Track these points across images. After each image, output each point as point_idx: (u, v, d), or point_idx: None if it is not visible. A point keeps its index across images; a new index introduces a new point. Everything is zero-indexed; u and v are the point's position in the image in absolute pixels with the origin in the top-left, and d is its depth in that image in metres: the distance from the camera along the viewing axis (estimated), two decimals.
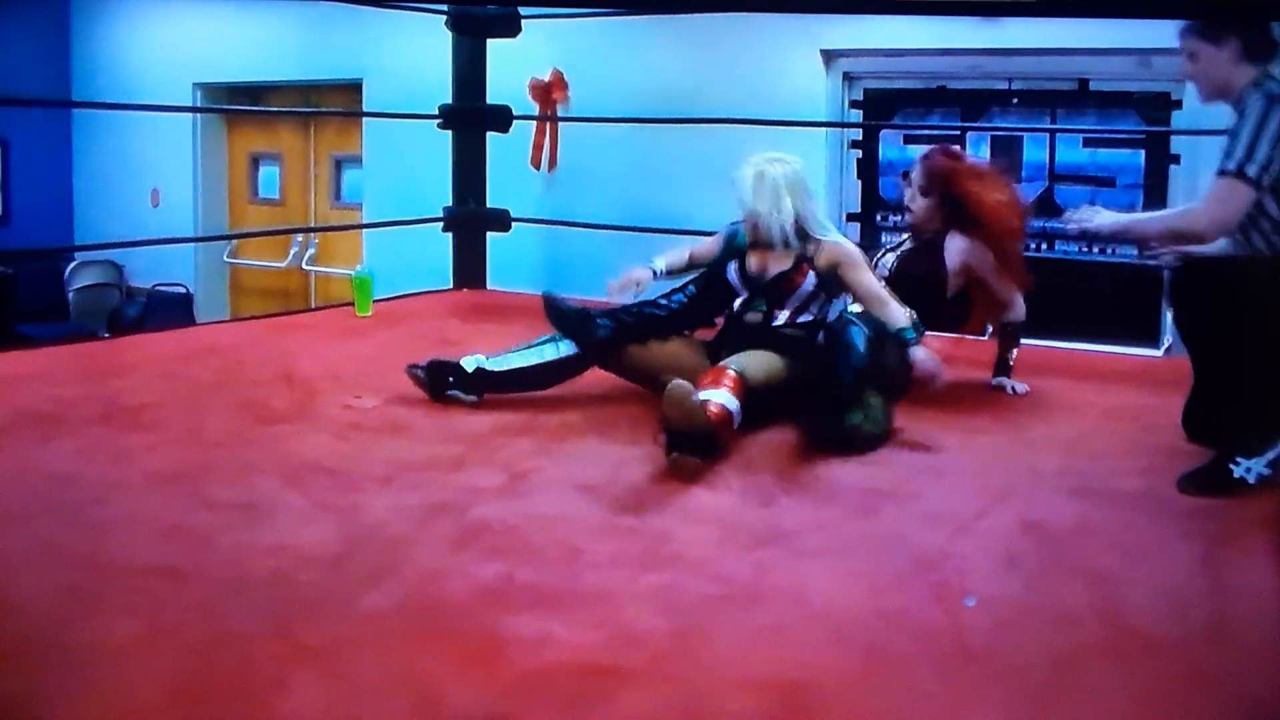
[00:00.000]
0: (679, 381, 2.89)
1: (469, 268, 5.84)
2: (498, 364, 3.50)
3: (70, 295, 9.35)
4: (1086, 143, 6.21)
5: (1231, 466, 2.77)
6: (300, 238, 8.88)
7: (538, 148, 7.38)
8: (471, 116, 5.74)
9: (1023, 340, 3.91)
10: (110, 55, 9.46)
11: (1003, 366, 3.89)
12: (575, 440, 3.12)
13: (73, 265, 9.39)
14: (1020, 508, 2.65)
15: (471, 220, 5.81)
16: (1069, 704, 1.76)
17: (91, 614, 1.98)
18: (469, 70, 5.69)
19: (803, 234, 3.50)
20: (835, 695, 1.78)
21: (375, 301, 5.11)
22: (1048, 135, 6.27)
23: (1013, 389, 3.82)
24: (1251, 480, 2.74)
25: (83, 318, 9.19)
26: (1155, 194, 6.07)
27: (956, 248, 3.86)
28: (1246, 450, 2.78)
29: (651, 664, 1.86)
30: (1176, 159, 6.02)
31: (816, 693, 1.78)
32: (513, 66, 6.35)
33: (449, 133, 5.76)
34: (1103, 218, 3.23)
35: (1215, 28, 3.03)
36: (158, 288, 9.13)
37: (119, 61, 9.36)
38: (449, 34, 5.67)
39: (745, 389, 3.10)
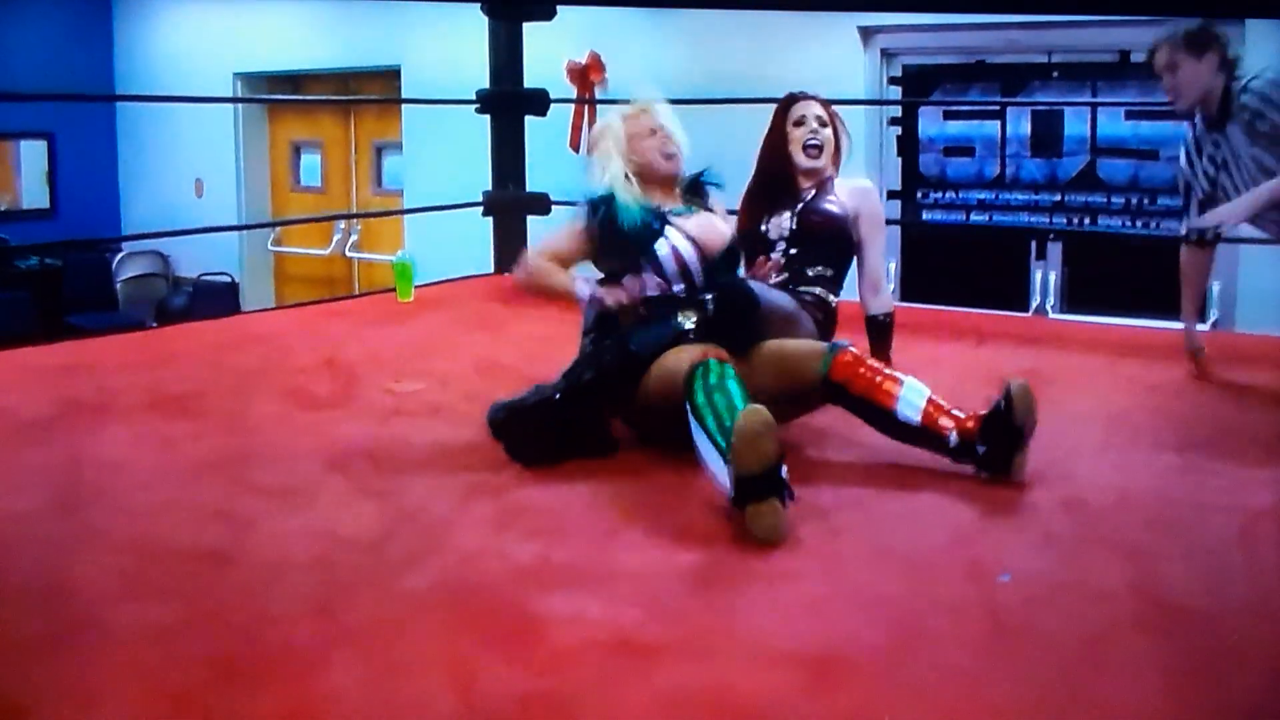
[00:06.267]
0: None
1: (510, 251, 5.84)
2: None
3: (118, 286, 9.48)
4: (1129, 115, 6.14)
5: None
6: (343, 225, 8.95)
7: (576, 130, 7.39)
8: (509, 101, 5.76)
9: (1064, 315, 3.86)
10: (152, 46, 9.56)
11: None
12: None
13: (120, 256, 9.52)
14: (1060, 483, 2.64)
15: (511, 204, 5.83)
16: (1101, 678, 1.76)
17: (138, 596, 2.03)
18: (505, 54, 5.70)
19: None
20: (867, 670, 1.79)
21: (417, 287, 5.14)
22: (1089, 108, 6.21)
23: None
24: None
25: (131, 308, 9.32)
26: None
27: (861, 189, 3.38)
28: None
29: (686, 640, 1.87)
30: None
31: (849, 667, 1.79)
32: (549, 49, 6.36)
33: (487, 117, 5.78)
34: (1232, 210, 3.31)
35: (1198, 40, 3.26)
36: (203, 277, 9.23)
37: (161, 52, 9.46)
38: (485, 18, 5.68)
39: None
